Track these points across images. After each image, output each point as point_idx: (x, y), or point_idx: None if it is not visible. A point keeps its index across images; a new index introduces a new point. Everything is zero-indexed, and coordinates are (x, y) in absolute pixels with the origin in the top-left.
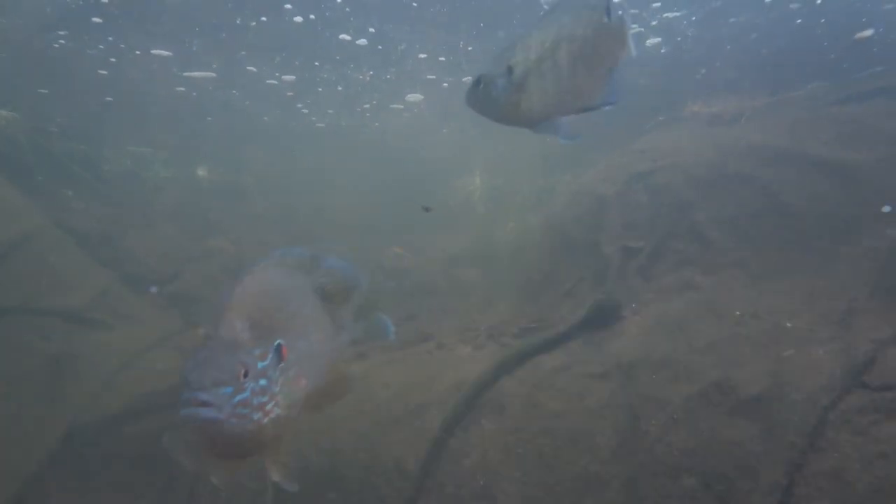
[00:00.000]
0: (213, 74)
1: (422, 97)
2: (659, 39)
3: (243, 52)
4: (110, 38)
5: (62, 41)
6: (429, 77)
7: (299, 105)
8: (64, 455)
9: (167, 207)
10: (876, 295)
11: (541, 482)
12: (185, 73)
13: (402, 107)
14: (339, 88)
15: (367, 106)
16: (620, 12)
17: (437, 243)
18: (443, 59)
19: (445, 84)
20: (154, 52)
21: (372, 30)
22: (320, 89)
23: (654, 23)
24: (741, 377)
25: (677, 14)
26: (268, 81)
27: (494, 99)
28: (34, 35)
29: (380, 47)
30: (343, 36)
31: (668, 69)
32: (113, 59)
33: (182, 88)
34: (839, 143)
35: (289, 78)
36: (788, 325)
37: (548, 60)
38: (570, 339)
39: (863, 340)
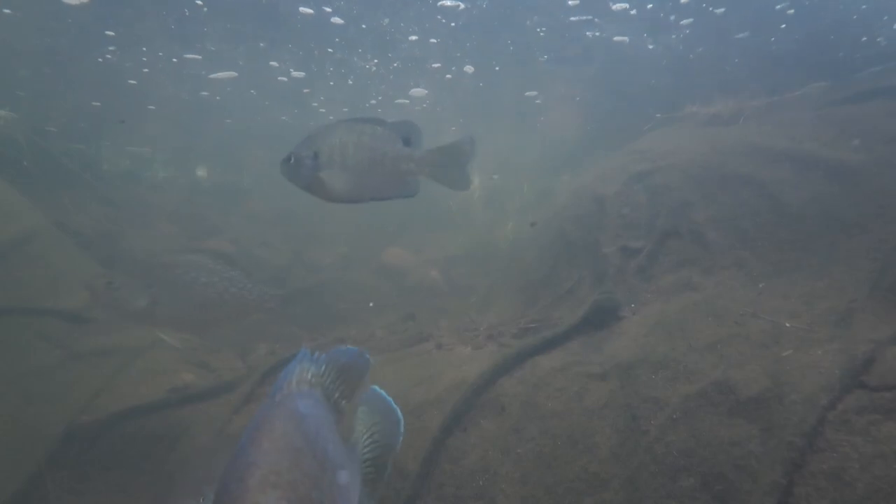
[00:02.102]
0: (236, 74)
1: (426, 92)
2: (644, 35)
3: (262, 44)
4: (144, 49)
5: (108, 55)
6: (432, 66)
7: (315, 104)
8: (64, 455)
9: (166, 207)
10: (875, 295)
11: (540, 482)
12: (212, 76)
13: (407, 101)
14: (350, 82)
15: (373, 102)
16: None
17: (437, 243)
18: (434, 40)
19: (448, 76)
20: (187, 56)
21: (328, 9)
22: (331, 83)
23: (631, 11)
24: (740, 377)
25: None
26: (280, 78)
27: (301, 175)
28: (84, 51)
29: (363, 26)
30: (304, 9)
31: (668, 69)
32: (146, 70)
33: (206, 93)
34: (839, 143)
35: (298, 74)
36: (788, 325)
37: (350, 159)
38: (570, 339)
39: (862, 341)
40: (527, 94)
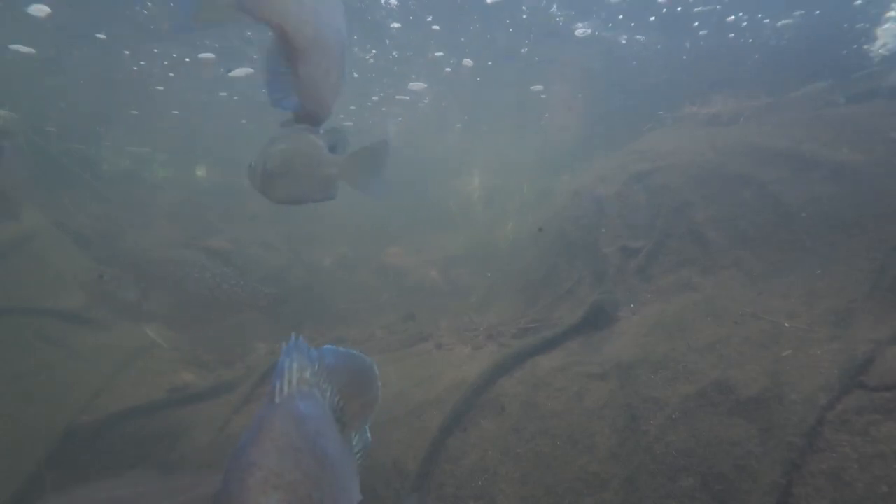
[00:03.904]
0: (252, 70)
1: (425, 85)
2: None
3: (249, 33)
4: (156, 50)
5: (142, 62)
6: (435, 54)
7: None
8: (64, 455)
9: (166, 207)
10: (875, 295)
11: (539, 482)
12: (231, 73)
13: (407, 98)
14: (356, 75)
15: (375, 99)
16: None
17: (437, 243)
18: (436, 27)
19: (448, 69)
20: (201, 55)
21: None
22: None
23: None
24: (740, 377)
25: None
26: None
27: (256, 182)
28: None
29: None
30: None
31: (668, 69)
32: (172, 75)
33: (224, 93)
34: (839, 143)
35: None
36: (787, 325)
37: (289, 167)
38: (569, 340)
39: (861, 341)
40: (532, 88)
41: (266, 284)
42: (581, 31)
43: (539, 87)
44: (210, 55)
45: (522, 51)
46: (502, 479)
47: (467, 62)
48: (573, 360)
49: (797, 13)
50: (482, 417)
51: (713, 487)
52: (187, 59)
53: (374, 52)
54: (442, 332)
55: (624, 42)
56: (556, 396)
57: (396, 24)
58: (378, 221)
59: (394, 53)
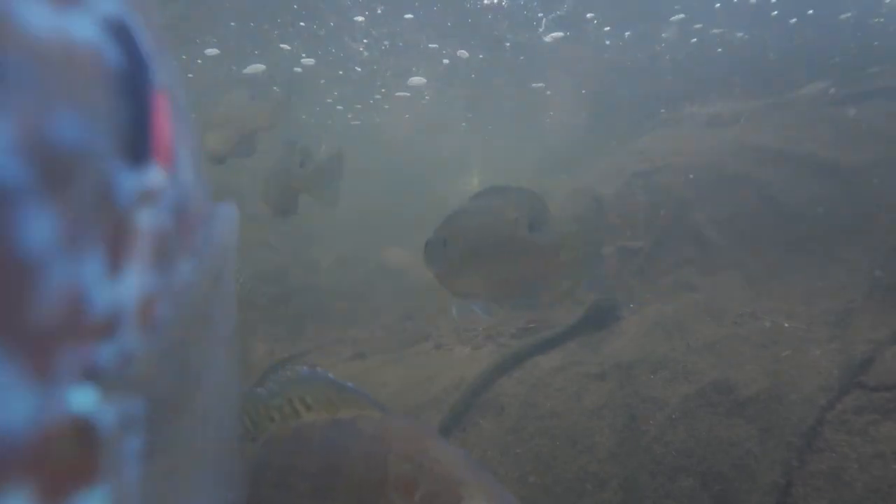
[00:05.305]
0: (264, 67)
1: (425, 80)
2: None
3: (232, 24)
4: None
5: None
6: (430, 46)
7: (329, 100)
8: None
9: None
10: (874, 295)
11: (539, 482)
12: (244, 71)
13: (408, 94)
14: (358, 69)
15: (378, 96)
16: None
17: None
18: (409, 15)
19: (446, 61)
20: (207, 52)
21: None
22: (340, 72)
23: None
24: (739, 377)
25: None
26: (295, 69)
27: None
28: None
29: None
30: None
31: (668, 70)
32: (190, 75)
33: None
34: (838, 143)
35: (308, 61)
36: (786, 325)
37: (267, 186)
38: (569, 340)
39: (861, 341)
40: (533, 85)
41: (266, 284)
42: (552, 35)
43: (541, 85)
44: (215, 51)
45: (506, 45)
46: (501, 479)
47: (462, 53)
48: (572, 360)
49: (741, 35)
50: (481, 417)
51: (712, 487)
52: (199, 61)
53: (364, 41)
54: (441, 332)
55: (607, 43)
56: (556, 396)
57: (359, 18)
58: (378, 221)
59: (385, 43)
